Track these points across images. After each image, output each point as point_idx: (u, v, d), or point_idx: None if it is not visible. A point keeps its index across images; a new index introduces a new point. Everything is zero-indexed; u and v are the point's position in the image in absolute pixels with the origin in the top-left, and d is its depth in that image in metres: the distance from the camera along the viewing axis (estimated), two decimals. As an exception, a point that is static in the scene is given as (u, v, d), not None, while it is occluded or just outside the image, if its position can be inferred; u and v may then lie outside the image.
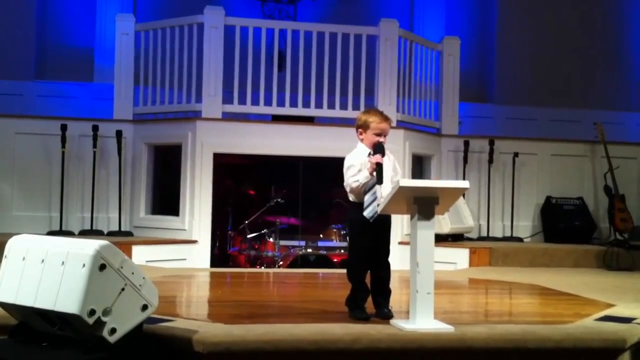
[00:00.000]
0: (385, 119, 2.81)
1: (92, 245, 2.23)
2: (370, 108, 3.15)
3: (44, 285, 2.25)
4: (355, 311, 2.81)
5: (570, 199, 6.05)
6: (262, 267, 5.21)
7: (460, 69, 6.09)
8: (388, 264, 2.87)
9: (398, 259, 5.13)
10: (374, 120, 2.78)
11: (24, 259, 2.36)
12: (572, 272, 4.92)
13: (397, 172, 2.89)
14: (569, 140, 6.27)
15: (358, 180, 2.74)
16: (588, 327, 2.76)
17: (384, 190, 2.73)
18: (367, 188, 2.75)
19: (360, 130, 2.83)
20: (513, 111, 6.76)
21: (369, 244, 2.80)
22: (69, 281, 2.20)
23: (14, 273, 2.37)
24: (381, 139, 2.77)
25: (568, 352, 2.60)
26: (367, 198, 2.75)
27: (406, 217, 2.82)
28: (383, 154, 2.74)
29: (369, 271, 2.86)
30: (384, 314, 2.79)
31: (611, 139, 6.12)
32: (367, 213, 2.74)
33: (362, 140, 2.83)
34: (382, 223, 2.79)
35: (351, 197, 2.84)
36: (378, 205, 2.71)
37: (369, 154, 2.78)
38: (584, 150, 6.24)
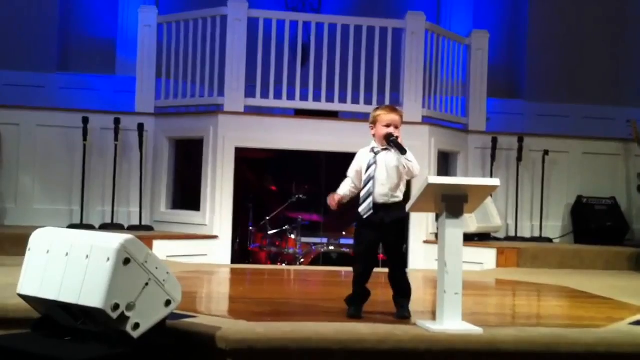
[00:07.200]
0: (393, 110, 2.84)
1: (116, 239, 2.21)
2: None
3: (68, 279, 2.23)
4: (349, 309, 2.80)
5: (602, 198, 5.85)
6: (283, 264, 5.16)
7: (489, 63, 5.93)
8: (400, 263, 2.85)
9: (422, 258, 5.05)
10: (381, 113, 2.81)
11: (48, 252, 2.35)
12: (604, 275, 4.78)
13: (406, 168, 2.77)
14: (602, 138, 6.06)
15: (340, 188, 2.87)
16: (622, 331, 2.68)
17: (378, 187, 2.73)
18: (362, 184, 2.78)
19: (371, 126, 2.86)
20: (543, 108, 6.57)
21: (369, 242, 2.78)
22: (93, 275, 2.18)
23: (37, 266, 2.36)
24: (391, 130, 2.76)
25: (601, 356, 2.52)
26: (362, 194, 2.77)
27: (431, 215, 2.76)
28: (397, 145, 2.72)
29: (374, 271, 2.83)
30: (400, 316, 2.77)
31: (645, 137, 5.94)
32: (361, 209, 2.75)
33: (373, 135, 2.85)
34: (388, 222, 2.74)
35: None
36: (373, 202, 2.72)
37: (372, 149, 2.82)
38: (617, 148, 6.04)
